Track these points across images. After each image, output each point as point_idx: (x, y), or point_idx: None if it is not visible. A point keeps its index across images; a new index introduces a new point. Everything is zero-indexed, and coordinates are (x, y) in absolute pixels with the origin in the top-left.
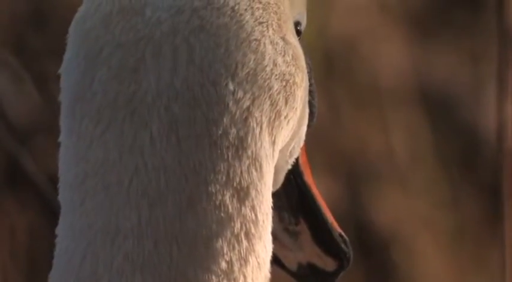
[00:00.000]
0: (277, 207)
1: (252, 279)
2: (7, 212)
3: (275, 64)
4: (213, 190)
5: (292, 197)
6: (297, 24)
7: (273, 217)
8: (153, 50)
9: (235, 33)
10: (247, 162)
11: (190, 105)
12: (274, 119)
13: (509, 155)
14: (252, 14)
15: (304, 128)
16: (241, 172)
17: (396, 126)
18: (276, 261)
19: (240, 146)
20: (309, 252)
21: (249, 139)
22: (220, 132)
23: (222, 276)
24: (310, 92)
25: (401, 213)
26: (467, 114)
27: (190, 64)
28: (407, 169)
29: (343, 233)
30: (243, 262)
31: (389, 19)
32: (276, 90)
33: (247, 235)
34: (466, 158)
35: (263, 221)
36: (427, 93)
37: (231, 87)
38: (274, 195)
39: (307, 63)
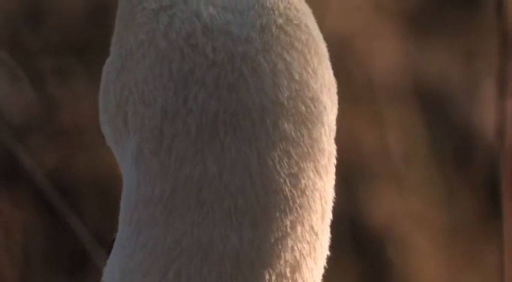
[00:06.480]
0: None
1: None
2: (1, 210)
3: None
4: (309, 213)
5: None
6: None
7: None
8: (251, 67)
9: (315, 51)
10: (331, 180)
11: (297, 122)
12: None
13: (509, 152)
14: (317, 30)
15: None
16: (325, 190)
17: (391, 123)
18: None
19: (329, 163)
20: None
21: (333, 156)
22: (319, 150)
23: None
24: None
25: (396, 211)
26: (463, 112)
27: (291, 80)
28: (402, 167)
29: None
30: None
31: (384, 17)
32: (336, 102)
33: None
34: (461, 155)
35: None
36: (421, 90)
37: (323, 102)
38: None
39: None
